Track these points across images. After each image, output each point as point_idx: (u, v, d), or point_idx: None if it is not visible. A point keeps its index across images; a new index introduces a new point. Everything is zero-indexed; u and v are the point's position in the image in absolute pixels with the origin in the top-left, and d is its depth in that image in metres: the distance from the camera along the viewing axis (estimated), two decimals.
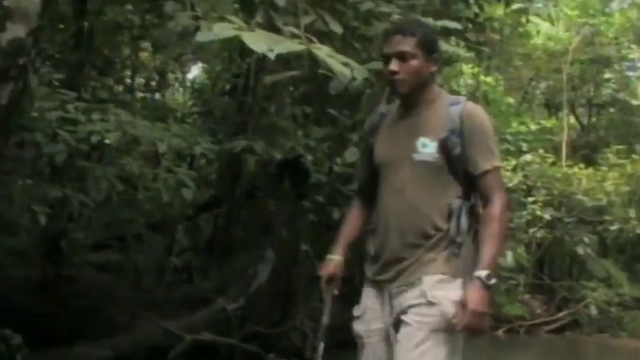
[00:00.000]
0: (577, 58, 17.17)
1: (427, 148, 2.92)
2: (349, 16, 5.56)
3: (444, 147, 2.91)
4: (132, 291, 7.58)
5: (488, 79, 15.64)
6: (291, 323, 7.61)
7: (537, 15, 14.19)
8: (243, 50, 7.87)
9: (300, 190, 7.42)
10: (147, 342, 6.57)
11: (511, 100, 17.31)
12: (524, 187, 15.13)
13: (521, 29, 13.24)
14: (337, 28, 4.74)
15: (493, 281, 2.79)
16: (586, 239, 14.99)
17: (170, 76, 12.53)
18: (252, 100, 8.13)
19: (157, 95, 12.16)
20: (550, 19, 15.46)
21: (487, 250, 2.82)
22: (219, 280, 7.69)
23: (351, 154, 5.98)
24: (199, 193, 8.28)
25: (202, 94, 11.33)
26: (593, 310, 14.43)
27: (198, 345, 6.70)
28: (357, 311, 3.07)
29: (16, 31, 3.70)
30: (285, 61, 5.81)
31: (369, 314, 3.03)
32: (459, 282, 2.85)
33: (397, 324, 2.90)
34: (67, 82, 6.67)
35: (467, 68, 14.60)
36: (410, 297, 2.87)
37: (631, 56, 17.54)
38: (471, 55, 8.66)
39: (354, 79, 4.17)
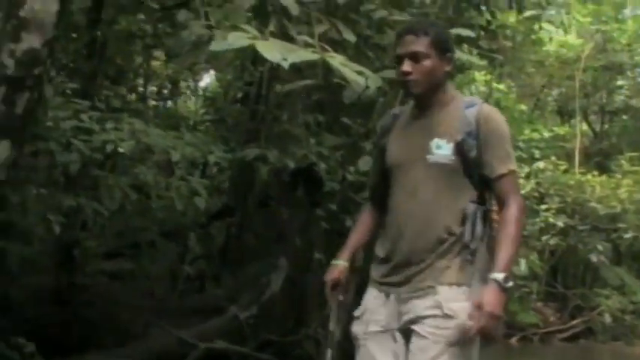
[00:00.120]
0: (589, 65, 17.10)
1: (442, 149, 2.87)
2: (362, 24, 5.56)
3: (460, 149, 2.86)
4: (145, 299, 7.58)
5: (501, 87, 15.58)
6: (304, 331, 7.57)
7: (550, 22, 14.15)
8: (256, 58, 7.87)
9: (313, 199, 7.40)
10: (160, 350, 6.56)
11: (523, 107, 17.26)
12: (536, 194, 15.07)
13: (533, 36, 13.16)
14: (351, 37, 4.74)
15: (510, 284, 2.73)
16: (600, 247, 14.91)
17: (182, 84, 12.55)
18: (264, 108, 8.13)
19: (169, 103, 12.20)
20: (563, 27, 15.41)
21: (503, 253, 2.77)
22: (232, 289, 7.68)
23: (365, 163, 5.96)
24: (212, 201, 8.28)
25: (214, 102, 11.34)
26: (607, 318, 14.34)
27: (211, 353, 6.69)
28: (357, 312, 3.02)
29: (32, 41, 3.73)
30: (297, 69, 5.81)
31: (367, 315, 2.98)
32: (474, 291, 2.80)
33: (407, 332, 2.87)
34: (81, 91, 6.69)
35: (479, 75, 14.57)
36: (422, 306, 2.83)
37: None
38: (484, 62, 8.63)
39: (367, 87, 4.16)
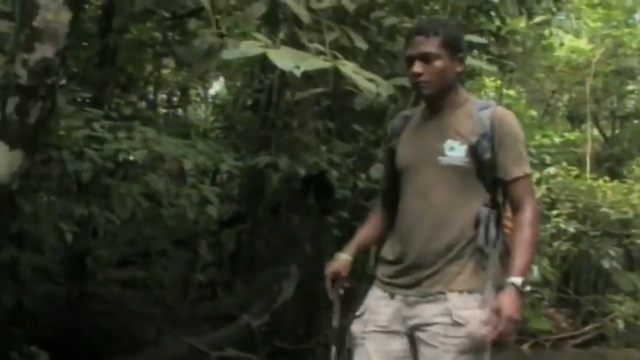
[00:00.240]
0: (600, 70, 17.03)
1: (455, 151, 2.83)
2: (373, 31, 5.55)
3: (474, 152, 2.82)
4: (156, 307, 7.57)
5: (511, 92, 15.55)
6: (316, 339, 7.56)
7: (560, 27, 14.12)
8: (265, 66, 7.88)
9: (324, 206, 7.40)
10: (172, 358, 6.57)
11: (534, 112, 17.20)
12: (548, 200, 14.99)
13: (543, 42, 13.15)
14: (362, 44, 4.73)
15: (527, 288, 2.71)
16: (612, 252, 14.80)
17: (192, 91, 12.57)
18: (274, 115, 8.13)
19: (180, 111, 12.21)
20: (573, 32, 15.37)
21: (520, 257, 2.74)
22: (244, 296, 7.68)
23: (376, 170, 5.95)
24: (222, 208, 8.28)
25: (224, 110, 11.35)
26: (620, 324, 14.22)
27: None
28: (358, 311, 3.00)
29: (45, 51, 3.74)
30: (308, 76, 5.81)
31: (367, 315, 2.95)
32: (487, 297, 2.77)
33: (412, 338, 2.84)
34: (92, 99, 6.71)
35: (489, 81, 14.54)
36: (430, 312, 2.80)
37: None
38: (494, 68, 8.62)
39: (379, 94, 4.15)
